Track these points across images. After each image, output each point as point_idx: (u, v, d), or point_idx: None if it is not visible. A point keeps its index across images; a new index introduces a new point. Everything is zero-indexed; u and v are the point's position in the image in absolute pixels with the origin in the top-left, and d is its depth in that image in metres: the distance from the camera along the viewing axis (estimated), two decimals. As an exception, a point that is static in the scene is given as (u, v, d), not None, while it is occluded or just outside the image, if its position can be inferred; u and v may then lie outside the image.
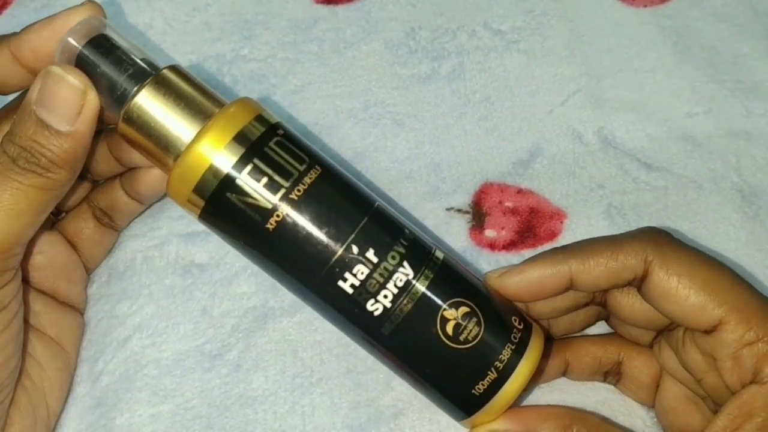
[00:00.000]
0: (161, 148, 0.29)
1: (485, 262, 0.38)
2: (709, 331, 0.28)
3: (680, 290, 0.28)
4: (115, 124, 0.30)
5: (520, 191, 0.40)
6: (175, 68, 0.29)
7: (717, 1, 0.47)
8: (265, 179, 0.28)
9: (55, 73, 0.28)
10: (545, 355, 0.32)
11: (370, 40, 0.46)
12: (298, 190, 0.28)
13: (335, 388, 0.35)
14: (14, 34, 0.30)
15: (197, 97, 0.29)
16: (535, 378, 0.32)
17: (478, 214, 0.40)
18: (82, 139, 0.28)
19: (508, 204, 0.40)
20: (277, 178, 0.28)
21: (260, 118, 0.29)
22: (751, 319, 0.28)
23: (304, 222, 0.28)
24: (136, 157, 0.34)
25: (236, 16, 0.47)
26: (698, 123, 0.42)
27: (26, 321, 0.33)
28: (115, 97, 0.29)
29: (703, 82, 0.43)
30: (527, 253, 0.39)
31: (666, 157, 0.41)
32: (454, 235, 0.39)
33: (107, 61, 0.29)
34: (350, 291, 0.29)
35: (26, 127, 0.28)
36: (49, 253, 0.34)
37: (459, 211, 0.40)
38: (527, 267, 0.31)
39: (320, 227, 0.28)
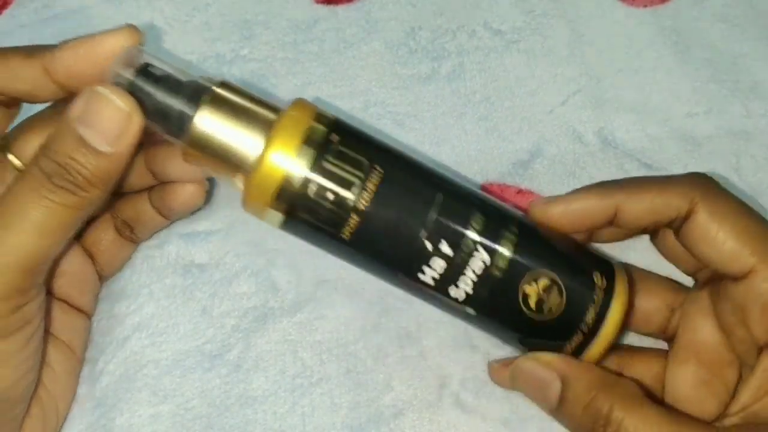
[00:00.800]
0: (231, 165, 0.29)
1: (485, 262, 0.38)
2: (740, 278, 0.29)
3: (719, 235, 0.29)
4: (162, 140, 0.30)
5: (520, 191, 0.40)
6: (224, 83, 0.29)
7: (717, 1, 0.47)
8: (331, 194, 0.28)
9: (102, 93, 0.27)
10: (631, 299, 0.32)
11: (370, 40, 0.46)
12: (365, 200, 0.29)
13: (335, 388, 0.35)
14: (48, 47, 0.29)
15: (254, 107, 0.29)
16: (625, 322, 0.32)
17: (478, 214, 0.40)
18: (120, 160, 0.28)
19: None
20: (342, 192, 0.29)
21: (319, 118, 0.30)
22: None
23: (375, 229, 0.29)
24: (172, 172, 0.33)
25: (236, 16, 0.47)
26: (698, 123, 0.42)
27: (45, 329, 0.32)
28: (172, 123, 0.29)
29: (703, 82, 0.43)
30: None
31: (666, 157, 0.41)
32: (454, 235, 0.39)
33: (159, 88, 0.29)
34: (431, 283, 0.30)
35: (65, 143, 0.27)
36: (64, 262, 0.34)
37: (459, 211, 0.40)
38: (573, 198, 0.32)
39: (392, 231, 0.29)
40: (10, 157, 0.31)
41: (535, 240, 0.31)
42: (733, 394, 0.32)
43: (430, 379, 0.35)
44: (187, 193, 0.34)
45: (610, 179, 0.40)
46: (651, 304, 0.34)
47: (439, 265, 0.30)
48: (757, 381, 0.28)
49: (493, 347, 0.36)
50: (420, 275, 0.30)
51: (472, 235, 0.30)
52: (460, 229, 0.30)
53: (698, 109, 0.43)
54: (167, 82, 0.29)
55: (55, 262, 0.33)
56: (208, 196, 0.38)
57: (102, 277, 0.37)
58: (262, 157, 0.28)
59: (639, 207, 0.31)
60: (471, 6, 0.47)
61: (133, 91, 0.28)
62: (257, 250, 0.38)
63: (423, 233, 0.29)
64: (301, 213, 0.29)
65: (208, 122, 0.28)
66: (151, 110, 0.28)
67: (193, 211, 0.38)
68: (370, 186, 0.29)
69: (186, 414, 0.35)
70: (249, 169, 0.29)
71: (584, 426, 0.29)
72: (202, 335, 0.36)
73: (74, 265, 0.35)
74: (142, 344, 0.36)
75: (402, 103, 0.43)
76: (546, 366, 0.30)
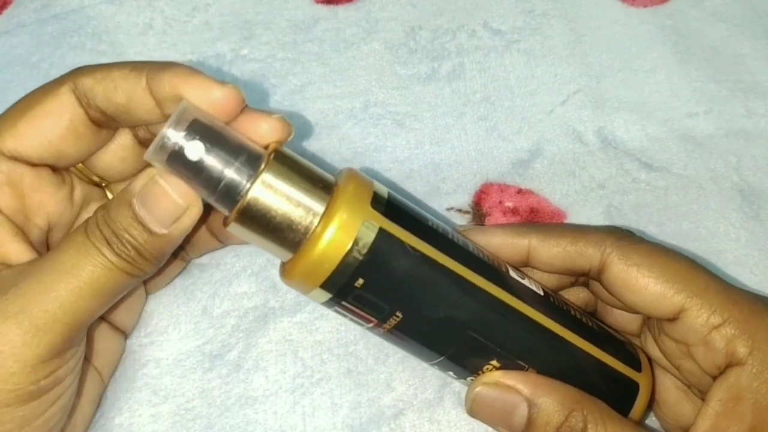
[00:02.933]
0: (279, 242, 0.27)
1: (485, 262, 0.38)
2: (673, 319, 0.29)
3: (639, 280, 0.29)
4: (224, 217, 0.28)
5: (520, 191, 0.40)
6: (280, 154, 0.27)
7: (717, 1, 0.47)
8: (382, 293, 0.28)
9: (161, 186, 0.27)
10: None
11: (370, 40, 0.46)
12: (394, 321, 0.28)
13: (336, 388, 0.35)
14: (156, 64, 0.28)
15: (309, 179, 0.27)
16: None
17: (478, 214, 0.40)
18: (173, 241, 0.28)
19: (509, 204, 0.40)
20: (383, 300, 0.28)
21: (375, 198, 0.28)
22: (713, 302, 0.28)
23: (409, 337, 0.29)
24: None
25: (236, 16, 0.47)
26: (698, 123, 0.42)
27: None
28: (220, 192, 0.27)
29: (703, 82, 0.43)
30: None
31: (666, 157, 0.41)
32: (454, 235, 0.39)
33: (211, 153, 0.26)
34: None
35: (122, 216, 0.27)
36: None
37: (459, 211, 0.40)
38: (491, 231, 0.32)
39: (431, 327, 0.29)
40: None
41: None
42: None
43: (430, 378, 0.35)
44: None
45: (610, 179, 0.40)
46: (625, 317, 0.33)
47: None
48: (713, 411, 0.28)
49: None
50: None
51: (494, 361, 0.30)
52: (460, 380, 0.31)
53: (698, 109, 0.43)
54: (219, 147, 0.26)
55: None
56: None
57: (147, 292, 0.37)
58: (318, 240, 0.26)
59: (551, 251, 0.31)
60: (471, 6, 0.47)
61: (180, 156, 0.26)
62: (257, 249, 0.38)
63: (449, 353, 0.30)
64: (348, 300, 0.28)
65: (261, 197, 0.26)
66: (198, 176, 0.26)
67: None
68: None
69: (186, 414, 0.35)
70: (301, 249, 0.27)
71: None
72: (202, 335, 0.36)
73: None
74: (142, 343, 0.36)
75: (402, 103, 0.43)
76: (509, 390, 0.29)
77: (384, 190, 0.29)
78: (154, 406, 0.35)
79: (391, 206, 0.28)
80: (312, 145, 0.42)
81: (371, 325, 0.29)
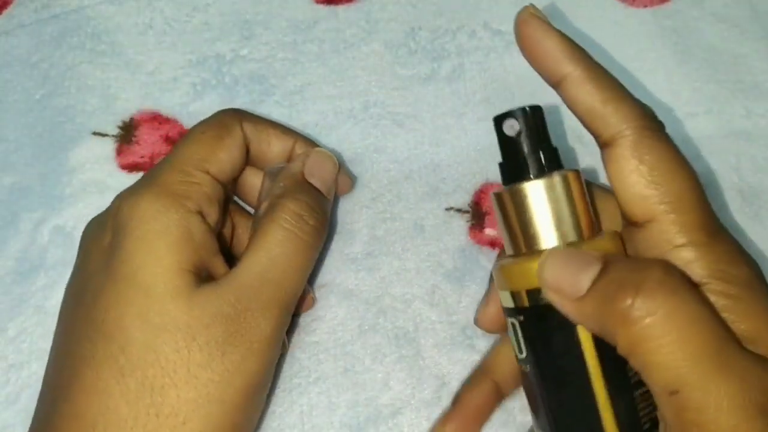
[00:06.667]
0: (512, 238, 0.29)
1: (485, 260, 0.38)
2: (640, 225, 0.27)
3: (632, 175, 0.27)
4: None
5: (519, 191, 0.40)
6: (577, 175, 0.29)
7: (717, 1, 0.46)
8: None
9: (321, 152, 0.36)
10: None
11: (370, 40, 0.46)
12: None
13: (333, 387, 0.35)
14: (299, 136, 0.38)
15: (583, 211, 0.29)
16: None
17: (477, 214, 0.40)
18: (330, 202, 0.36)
19: (508, 204, 0.40)
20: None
21: None
22: (686, 223, 0.27)
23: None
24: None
25: (236, 16, 0.47)
26: (698, 123, 0.42)
27: None
28: (516, 166, 0.30)
29: (703, 82, 0.43)
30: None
31: (666, 157, 0.41)
32: (453, 235, 0.39)
33: (526, 136, 0.30)
34: None
35: (304, 191, 0.33)
36: None
37: (459, 210, 0.40)
38: (549, 33, 0.32)
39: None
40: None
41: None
42: None
43: (428, 378, 0.35)
44: None
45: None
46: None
47: None
48: None
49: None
50: None
51: None
52: None
53: (698, 109, 0.43)
54: (531, 131, 0.31)
55: None
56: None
57: None
58: (528, 260, 0.28)
59: (578, 96, 0.30)
60: (471, 6, 0.47)
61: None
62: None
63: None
64: (511, 322, 0.29)
65: (539, 193, 0.29)
66: (513, 154, 0.30)
67: None
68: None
69: (184, 413, 0.35)
70: (520, 256, 0.29)
71: (615, 311, 0.25)
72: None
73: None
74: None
75: (402, 103, 0.43)
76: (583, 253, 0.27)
77: None
78: (153, 406, 0.35)
79: None
80: (311, 145, 0.42)
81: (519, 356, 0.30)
